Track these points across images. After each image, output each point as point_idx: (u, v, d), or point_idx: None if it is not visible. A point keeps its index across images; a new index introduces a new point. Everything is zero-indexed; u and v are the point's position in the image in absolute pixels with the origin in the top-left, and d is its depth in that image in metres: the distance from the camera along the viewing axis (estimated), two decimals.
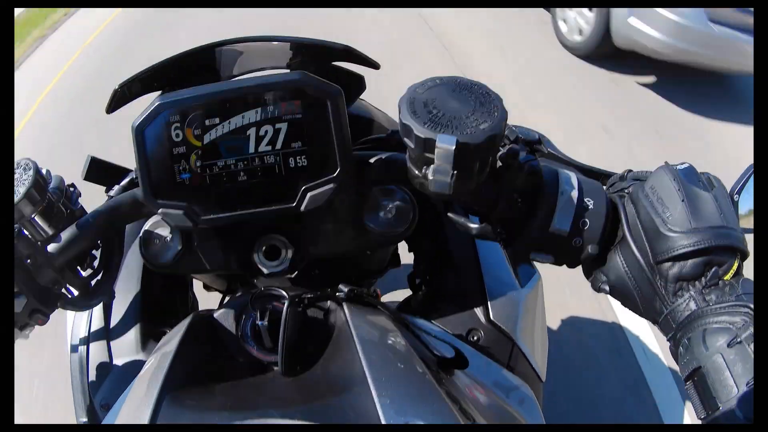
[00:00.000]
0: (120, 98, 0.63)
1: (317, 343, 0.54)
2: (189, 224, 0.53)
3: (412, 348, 0.52)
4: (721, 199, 0.44)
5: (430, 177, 0.43)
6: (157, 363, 0.51)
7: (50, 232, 0.55)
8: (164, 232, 0.64)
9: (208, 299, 0.92)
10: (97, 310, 0.72)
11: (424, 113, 0.42)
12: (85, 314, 0.72)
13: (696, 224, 0.41)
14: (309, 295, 0.54)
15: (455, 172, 0.42)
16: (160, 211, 0.53)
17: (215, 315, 0.57)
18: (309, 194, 0.52)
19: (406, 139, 0.44)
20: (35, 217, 0.53)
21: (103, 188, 0.69)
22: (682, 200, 0.42)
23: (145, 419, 0.42)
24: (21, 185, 0.51)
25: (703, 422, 0.39)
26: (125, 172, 0.67)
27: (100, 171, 0.66)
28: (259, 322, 0.52)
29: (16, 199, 0.51)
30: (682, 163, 0.46)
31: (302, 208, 0.52)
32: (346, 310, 0.53)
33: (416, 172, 0.47)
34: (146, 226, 0.65)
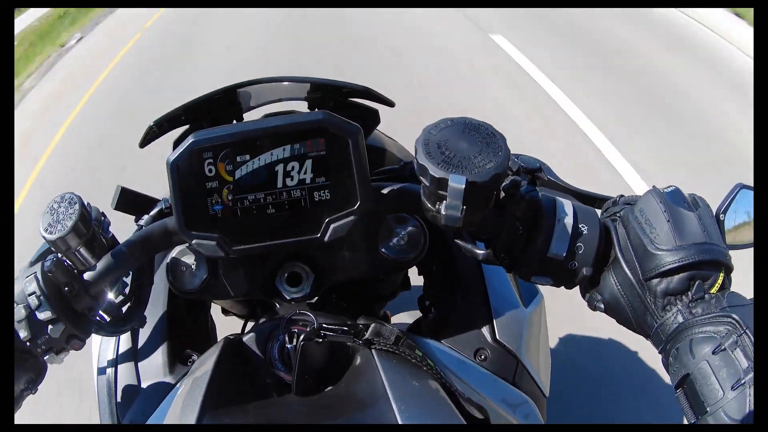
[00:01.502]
0: (153, 134, 0.68)
1: (338, 366, 0.58)
2: (221, 254, 0.57)
3: (425, 370, 0.56)
4: (705, 218, 0.47)
5: (443, 212, 0.48)
6: (194, 385, 0.55)
7: (93, 262, 0.58)
8: (189, 260, 0.68)
9: (224, 322, 0.95)
10: (125, 335, 0.75)
11: (437, 154, 0.47)
12: (112, 338, 0.76)
13: (681, 242, 0.45)
14: (329, 329, 0.58)
15: (464, 207, 0.47)
16: (193, 241, 0.57)
17: (244, 339, 0.61)
18: (332, 226, 0.56)
19: (421, 177, 0.48)
20: (80, 249, 0.57)
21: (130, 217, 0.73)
22: (668, 220, 0.46)
23: None
24: (68, 219, 0.55)
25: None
26: (154, 202, 0.71)
27: (129, 201, 0.69)
28: (288, 346, 0.56)
29: (63, 232, 0.54)
30: (668, 187, 0.50)
31: (326, 238, 0.57)
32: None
33: (429, 205, 0.51)
34: (172, 254, 0.69)
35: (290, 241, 0.57)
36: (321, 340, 0.57)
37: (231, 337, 0.63)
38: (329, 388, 0.56)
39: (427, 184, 0.48)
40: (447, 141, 0.48)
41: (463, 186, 0.45)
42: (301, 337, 0.56)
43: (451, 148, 0.47)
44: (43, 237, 0.56)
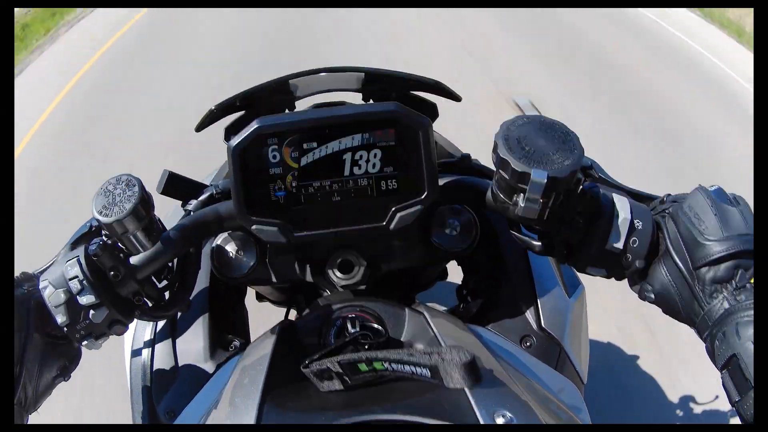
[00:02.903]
0: (212, 118, 0.67)
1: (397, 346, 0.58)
2: (283, 240, 0.57)
3: (484, 347, 0.57)
4: (746, 213, 0.51)
5: (521, 204, 0.50)
6: (246, 371, 0.54)
7: (149, 246, 0.57)
8: (232, 247, 0.67)
9: (254, 311, 0.94)
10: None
11: (518, 149, 0.49)
12: (149, 322, 0.74)
13: (727, 233, 0.49)
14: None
15: (542, 200, 0.48)
16: (253, 227, 0.57)
17: (299, 324, 0.61)
18: (399, 214, 0.57)
19: (501, 171, 0.50)
20: (137, 233, 0.55)
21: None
22: (715, 214, 0.50)
23: (251, 419, 0.45)
24: (126, 201, 0.53)
25: (737, 405, 0.45)
26: (201, 187, 0.70)
27: (176, 185, 0.68)
28: (352, 330, 0.56)
29: (121, 215, 0.52)
30: (712, 186, 0.54)
31: (392, 227, 0.57)
32: (427, 315, 0.57)
33: (504, 198, 0.53)
34: (217, 241, 0.68)
35: (355, 229, 0.57)
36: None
37: (286, 322, 0.62)
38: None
39: (507, 177, 0.49)
40: (526, 137, 0.50)
41: (545, 181, 0.47)
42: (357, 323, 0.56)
43: (530, 144, 0.49)
44: (98, 220, 0.54)
